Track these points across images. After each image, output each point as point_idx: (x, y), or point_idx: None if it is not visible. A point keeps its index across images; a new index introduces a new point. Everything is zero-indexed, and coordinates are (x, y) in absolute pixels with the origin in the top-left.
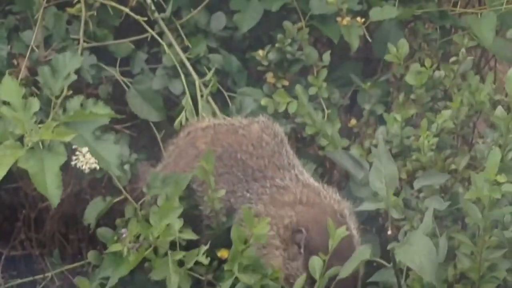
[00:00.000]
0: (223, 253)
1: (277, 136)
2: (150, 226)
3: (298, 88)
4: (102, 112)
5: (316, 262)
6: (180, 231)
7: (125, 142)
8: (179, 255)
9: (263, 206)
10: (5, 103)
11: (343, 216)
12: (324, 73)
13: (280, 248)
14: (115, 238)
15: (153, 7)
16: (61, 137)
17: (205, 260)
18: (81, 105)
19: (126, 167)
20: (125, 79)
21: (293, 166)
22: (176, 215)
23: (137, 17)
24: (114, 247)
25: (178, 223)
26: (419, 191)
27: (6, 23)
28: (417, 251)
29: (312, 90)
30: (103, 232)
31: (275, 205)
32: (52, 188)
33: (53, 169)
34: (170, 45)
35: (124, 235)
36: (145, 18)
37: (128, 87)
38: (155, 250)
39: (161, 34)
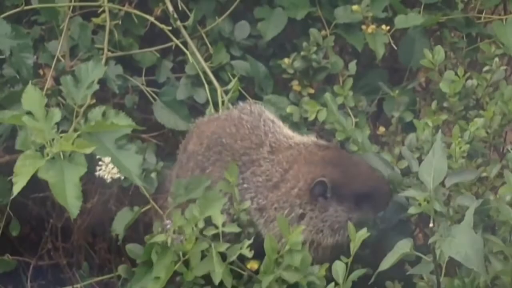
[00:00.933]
0: (252, 265)
1: (254, 112)
2: (195, 217)
3: (327, 96)
4: (124, 122)
5: None
6: (223, 225)
7: (152, 150)
8: (223, 247)
9: (265, 199)
10: (27, 112)
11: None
12: (350, 82)
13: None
14: (159, 229)
15: (175, 16)
16: (81, 148)
17: (248, 253)
18: (103, 115)
19: (153, 175)
20: (151, 90)
21: (273, 133)
22: (219, 206)
23: (162, 26)
24: (159, 238)
25: (221, 216)
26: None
27: (32, 33)
28: (462, 243)
29: (339, 100)
30: (132, 248)
31: (275, 190)
32: (71, 199)
33: (73, 179)
34: (193, 54)
35: (168, 226)
36: (170, 28)
37: (154, 99)
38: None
39: (185, 43)
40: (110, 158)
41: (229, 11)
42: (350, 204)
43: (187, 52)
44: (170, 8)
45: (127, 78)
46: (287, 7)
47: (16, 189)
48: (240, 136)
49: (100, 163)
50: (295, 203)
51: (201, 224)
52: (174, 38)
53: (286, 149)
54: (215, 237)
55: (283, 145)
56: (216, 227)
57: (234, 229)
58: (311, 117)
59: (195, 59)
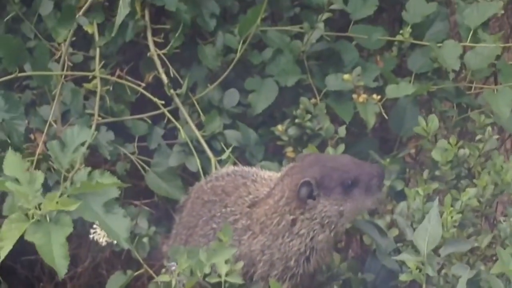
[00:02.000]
0: None
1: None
2: (201, 263)
3: None
4: (109, 181)
5: None
6: (227, 274)
7: (144, 216)
8: None
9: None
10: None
11: None
12: (342, 147)
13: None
14: (163, 270)
15: (170, 84)
16: (65, 207)
17: None
18: (89, 175)
19: (145, 240)
20: (142, 158)
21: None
22: (227, 255)
23: (151, 96)
24: (162, 278)
25: (225, 266)
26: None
27: (23, 98)
28: None
29: None
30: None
31: (261, 205)
32: (59, 259)
33: (60, 240)
34: (186, 121)
35: (173, 268)
36: (162, 101)
37: (146, 167)
38: None
39: (177, 109)
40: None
41: (220, 79)
42: (338, 196)
43: (176, 123)
44: (165, 79)
45: (119, 144)
46: (278, 74)
47: (3, 253)
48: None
49: (94, 226)
50: (284, 211)
51: (207, 270)
52: (163, 108)
53: (268, 180)
54: (217, 285)
55: (267, 179)
56: (219, 276)
57: (238, 280)
58: None
59: (187, 127)
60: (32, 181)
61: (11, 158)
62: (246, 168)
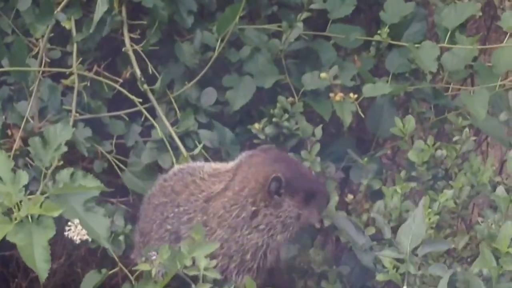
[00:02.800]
0: None
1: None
2: (182, 254)
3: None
4: (92, 185)
5: None
6: (205, 268)
7: (120, 213)
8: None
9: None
10: None
11: None
12: (317, 147)
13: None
14: (143, 258)
15: (143, 79)
16: (49, 212)
17: None
18: (71, 176)
19: (121, 238)
20: (119, 158)
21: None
22: (207, 250)
23: (127, 93)
24: (142, 266)
25: (205, 260)
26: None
27: (0, 93)
28: None
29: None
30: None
31: (218, 198)
32: (40, 262)
33: (42, 242)
34: (161, 118)
35: (154, 257)
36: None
37: (123, 167)
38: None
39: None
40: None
41: (198, 77)
42: (300, 200)
43: (152, 120)
44: (138, 72)
45: (97, 142)
46: (255, 75)
47: None
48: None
49: (69, 223)
50: (246, 202)
51: (188, 262)
52: (139, 105)
53: (225, 170)
54: (196, 278)
55: (215, 173)
56: (198, 269)
57: (216, 275)
58: None
59: (162, 123)
60: (16, 181)
61: None
62: (192, 165)
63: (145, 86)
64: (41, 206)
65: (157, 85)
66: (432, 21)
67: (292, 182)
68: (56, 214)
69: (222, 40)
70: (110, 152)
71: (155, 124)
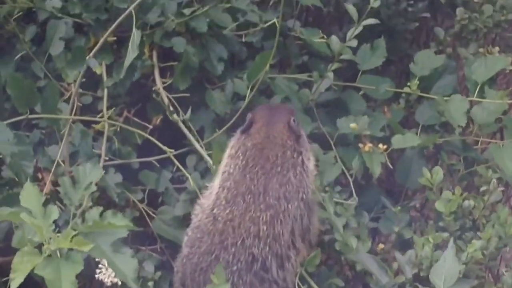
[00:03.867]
0: None
1: None
2: None
3: (326, 198)
4: (121, 223)
5: None
6: None
7: (151, 260)
8: None
9: None
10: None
11: None
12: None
13: None
14: None
15: (171, 108)
16: (79, 246)
17: None
18: (101, 215)
19: (150, 284)
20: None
21: None
22: None
23: (157, 142)
24: None
25: None
26: None
27: (32, 137)
28: None
29: (341, 220)
30: None
31: None
32: None
33: (70, 277)
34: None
35: None
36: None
37: (152, 218)
38: None
39: (185, 154)
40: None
41: (227, 125)
42: None
43: (184, 171)
44: (165, 100)
45: (128, 189)
46: None
47: (14, 285)
48: None
49: (100, 266)
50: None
51: None
52: (170, 153)
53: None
54: None
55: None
56: None
57: None
58: None
59: (195, 175)
60: (47, 215)
61: (28, 190)
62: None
63: (175, 116)
64: (71, 240)
65: (188, 114)
66: (463, 74)
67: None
68: (86, 249)
69: (252, 88)
70: (141, 201)
71: (188, 175)
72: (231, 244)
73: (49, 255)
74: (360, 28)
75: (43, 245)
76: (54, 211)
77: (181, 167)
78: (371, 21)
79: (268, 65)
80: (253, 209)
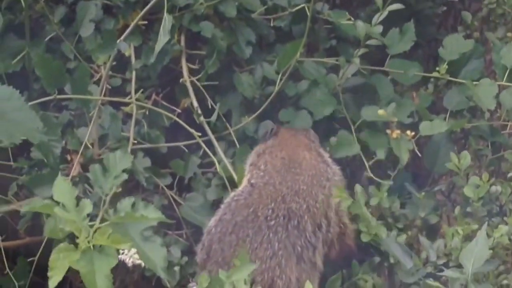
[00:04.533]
0: None
1: None
2: (220, 281)
3: (357, 188)
4: (153, 215)
5: None
6: None
7: (178, 245)
8: None
9: None
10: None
11: None
12: (386, 185)
13: None
14: None
15: (199, 111)
16: (116, 244)
17: None
18: (132, 206)
19: (176, 269)
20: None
21: None
22: (246, 272)
23: (186, 126)
24: None
25: (244, 286)
26: None
27: (61, 118)
28: None
29: (374, 201)
30: None
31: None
32: None
33: (104, 271)
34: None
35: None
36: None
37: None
38: None
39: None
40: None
41: (258, 112)
42: None
43: (213, 157)
44: (195, 103)
45: (156, 174)
46: (313, 105)
47: (52, 284)
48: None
49: None
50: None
51: None
52: (199, 139)
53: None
54: None
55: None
56: None
57: None
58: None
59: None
60: (80, 209)
61: (61, 184)
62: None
63: (202, 118)
64: (108, 237)
65: (214, 116)
66: (489, 59)
67: None
68: (123, 247)
69: (282, 74)
70: (169, 187)
71: (216, 162)
72: (271, 200)
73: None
74: (385, 14)
75: (76, 237)
76: (88, 205)
77: (210, 153)
78: (396, 6)
79: (298, 52)
80: (291, 173)
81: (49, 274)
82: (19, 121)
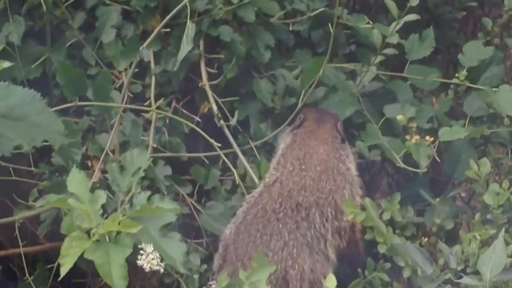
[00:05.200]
0: None
1: None
2: (240, 281)
3: (367, 202)
4: (169, 207)
5: None
6: None
7: (197, 253)
8: None
9: None
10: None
11: None
12: (398, 196)
13: None
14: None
15: (219, 115)
16: (127, 229)
17: None
18: (148, 199)
19: (196, 276)
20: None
21: None
22: (267, 273)
23: (205, 135)
24: None
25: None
26: None
27: (81, 124)
28: None
29: (386, 215)
30: None
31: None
32: (117, 279)
33: (119, 260)
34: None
35: (213, 286)
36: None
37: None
38: None
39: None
40: (152, 248)
41: (283, 125)
42: None
43: (234, 170)
44: (214, 107)
45: (177, 182)
46: (335, 106)
47: (64, 271)
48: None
49: (141, 251)
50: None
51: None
52: (219, 150)
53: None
54: None
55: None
56: None
57: None
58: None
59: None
60: (94, 200)
61: (75, 176)
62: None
63: (222, 122)
64: (119, 223)
65: (234, 120)
66: (510, 65)
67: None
68: (134, 231)
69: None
70: (190, 195)
71: (237, 177)
72: (278, 195)
73: (98, 240)
74: (401, 23)
75: (92, 230)
76: (102, 196)
77: (231, 166)
78: (412, 17)
79: (322, 69)
80: (300, 169)
81: (60, 261)
82: (40, 124)
